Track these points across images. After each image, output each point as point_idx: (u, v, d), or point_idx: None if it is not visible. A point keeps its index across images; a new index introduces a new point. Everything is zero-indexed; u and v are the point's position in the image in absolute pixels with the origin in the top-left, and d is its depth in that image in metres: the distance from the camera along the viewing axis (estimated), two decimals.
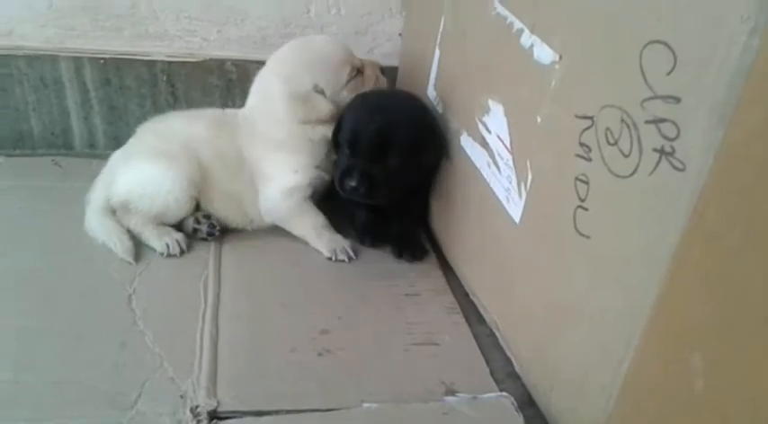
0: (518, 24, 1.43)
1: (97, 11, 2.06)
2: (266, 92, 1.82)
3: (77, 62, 2.10)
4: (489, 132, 1.56)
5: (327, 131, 1.80)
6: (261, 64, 1.97)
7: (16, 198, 1.91)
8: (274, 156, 1.81)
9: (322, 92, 1.78)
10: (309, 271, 1.76)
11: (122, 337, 1.45)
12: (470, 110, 1.65)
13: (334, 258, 1.79)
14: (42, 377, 1.34)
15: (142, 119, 2.13)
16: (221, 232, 1.83)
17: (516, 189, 1.44)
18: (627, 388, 1.12)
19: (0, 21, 2.04)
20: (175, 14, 2.11)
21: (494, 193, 1.54)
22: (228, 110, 1.95)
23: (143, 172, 1.74)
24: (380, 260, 1.83)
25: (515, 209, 1.44)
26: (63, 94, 2.14)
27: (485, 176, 1.58)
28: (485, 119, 1.58)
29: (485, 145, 1.58)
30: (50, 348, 1.41)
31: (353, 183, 1.69)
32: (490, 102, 1.55)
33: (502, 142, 1.50)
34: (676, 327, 1.02)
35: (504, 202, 1.49)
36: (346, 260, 1.79)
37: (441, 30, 1.86)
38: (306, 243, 1.85)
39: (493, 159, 1.54)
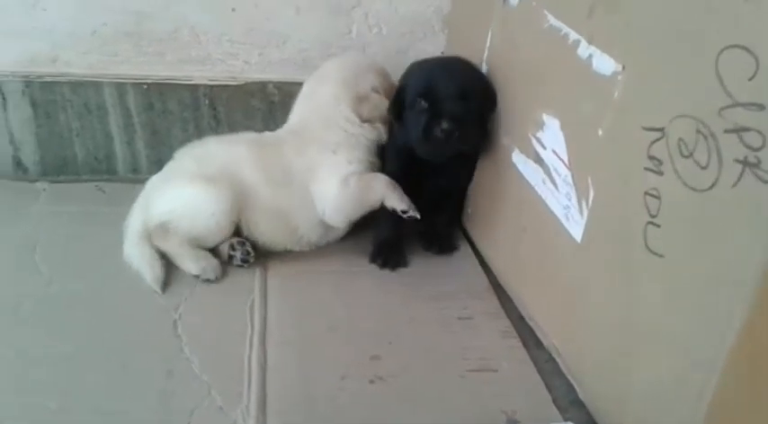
0: (574, 35, 1.37)
1: (140, 37, 2.06)
2: (323, 100, 1.85)
3: (120, 88, 2.10)
4: (544, 148, 1.50)
5: (380, 132, 1.89)
6: (303, 85, 1.99)
7: (60, 223, 1.90)
8: (332, 158, 1.81)
9: (378, 93, 1.87)
10: (356, 294, 1.71)
11: (169, 364, 1.42)
12: (522, 126, 1.60)
13: (409, 210, 1.77)
14: (88, 406, 1.31)
15: (185, 142, 2.10)
16: (265, 256, 1.79)
17: (576, 207, 1.37)
18: (711, 419, 1.04)
19: (45, 48, 2.04)
20: (217, 38, 2.10)
21: (551, 211, 1.47)
22: (266, 133, 1.95)
23: (185, 194, 1.72)
24: (429, 281, 1.77)
25: (576, 228, 1.37)
26: (106, 120, 2.13)
27: (540, 194, 1.52)
28: (539, 134, 1.52)
29: (539, 161, 1.52)
30: (96, 376, 1.38)
31: (446, 126, 1.64)
32: (545, 117, 1.49)
33: (559, 158, 1.44)
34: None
35: (563, 220, 1.42)
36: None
37: (488, 45, 1.81)
38: (351, 269, 1.81)
39: (549, 176, 1.48)
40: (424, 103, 1.70)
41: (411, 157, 1.78)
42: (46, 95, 2.08)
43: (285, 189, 1.78)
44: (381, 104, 1.87)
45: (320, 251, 1.86)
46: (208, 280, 1.70)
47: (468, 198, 1.97)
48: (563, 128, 1.42)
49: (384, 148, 1.92)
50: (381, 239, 1.86)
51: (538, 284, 1.56)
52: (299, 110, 1.93)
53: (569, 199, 1.40)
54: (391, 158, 1.90)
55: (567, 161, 1.41)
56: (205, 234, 1.72)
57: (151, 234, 1.72)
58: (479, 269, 1.84)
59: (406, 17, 2.17)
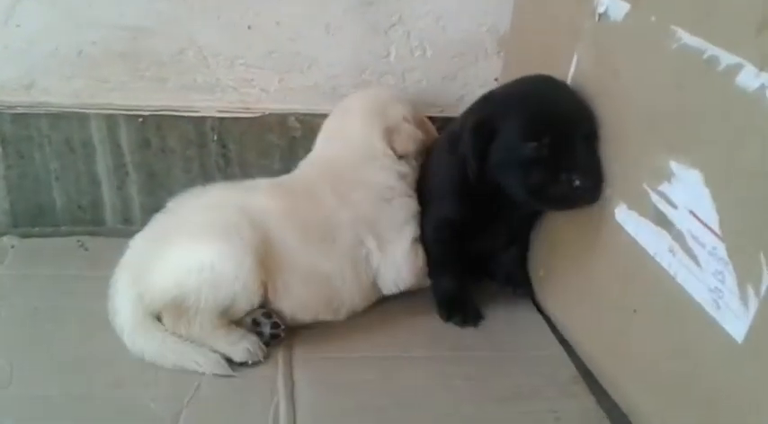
0: (729, 59, 1.01)
1: (137, 58, 1.70)
2: (354, 135, 1.59)
3: (110, 120, 1.73)
4: (674, 207, 1.12)
5: (415, 168, 1.64)
6: (324, 122, 1.71)
7: (30, 293, 1.52)
8: (388, 209, 1.54)
9: (409, 122, 1.63)
10: (412, 392, 1.32)
11: None
12: (633, 175, 1.23)
13: None
14: None
15: (188, 186, 1.74)
16: (288, 335, 1.41)
17: (735, 293, 0.99)
18: None
19: (17, 72, 1.67)
20: (229, 61, 1.74)
21: (686, 293, 1.09)
22: (285, 177, 1.61)
23: (195, 254, 1.32)
24: (499, 371, 1.39)
25: (735, 322, 0.99)
26: (93, 159, 1.76)
27: (665, 267, 1.14)
28: (663, 188, 1.15)
29: (664, 223, 1.14)
30: None
31: (579, 183, 1.29)
32: (674, 166, 1.12)
33: (701, 222, 1.06)
34: None
35: (711, 309, 1.04)
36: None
37: (571, 72, 1.45)
38: (399, 353, 1.43)
39: (682, 245, 1.10)
40: (540, 149, 1.32)
41: (472, 197, 1.48)
42: (18, 130, 1.71)
43: (324, 245, 1.44)
44: (415, 135, 1.63)
45: (358, 324, 1.49)
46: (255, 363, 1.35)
47: (538, 256, 1.60)
48: (709, 182, 1.05)
49: (423, 187, 1.64)
50: (448, 292, 1.57)
51: (661, 387, 1.16)
52: (325, 149, 1.65)
53: (721, 281, 1.02)
54: (443, 200, 1.57)
55: (716, 228, 1.03)
56: (231, 304, 1.33)
57: (162, 319, 1.33)
58: (561, 351, 1.46)
59: (454, 38, 1.83)
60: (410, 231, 1.55)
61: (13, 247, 1.69)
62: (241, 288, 1.32)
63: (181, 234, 1.38)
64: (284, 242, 1.41)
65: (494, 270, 1.65)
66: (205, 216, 1.40)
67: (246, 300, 1.34)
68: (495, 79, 1.87)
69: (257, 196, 1.47)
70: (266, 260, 1.37)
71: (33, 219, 1.78)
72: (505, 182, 1.39)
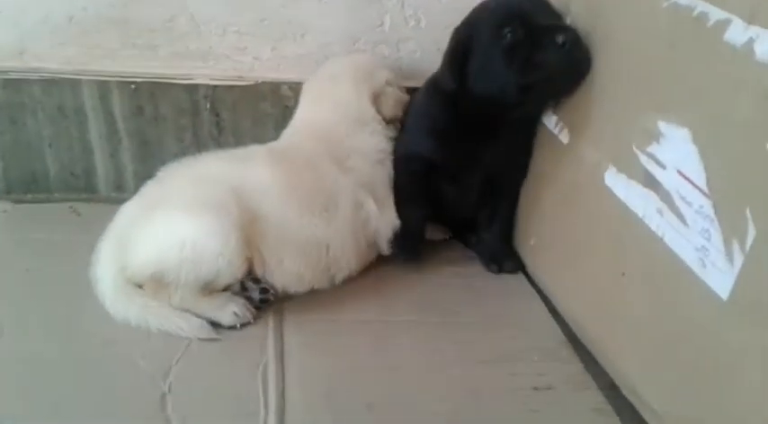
0: (718, 14, 1.00)
1: (127, 25, 1.69)
2: (345, 101, 1.58)
3: (103, 87, 1.72)
4: (662, 167, 1.12)
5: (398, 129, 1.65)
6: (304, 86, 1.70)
7: (23, 256, 1.52)
8: (382, 171, 1.57)
9: (393, 86, 1.65)
10: (400, 355, 1.33)
11: None
12: (621, 137, 1.23)
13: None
14: None
15: (180, 155, 1.74)
16: (279, 300, 1.41)
17: (721, 250, 0.98)
18: None
19: (10, 38, 1.66)
20: (222, 28, 1.73)
21: (672, 253, 1.09)
22: (277, 144, 1.59)
23: (179, 229, 1.29)
24: (488, 335, 1.39)
25: (720, 279, 0.99)
26: (85, 127, 1.75)
27: (653, 228, 1.14)
28: (651, 148, 1.14)
29: (652, 184, 1.14)
30: None
31: (562, 36, 1.31)
32: (662, 125, 1.11)
33: (689, 181, 1.06)
34: None
35: (696, 268, 1.04)
36: None
37: None
38: (388, 317, 1.43)
39: (670, 205, 1.10)
40: (514, 33, 1.35)
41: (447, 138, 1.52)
42: (10, 96, 1.71)
43: (326, 214, 1.42)
44: (401, 98, 1.65)
45: (349, 289, 1.49)
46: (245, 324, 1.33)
47: (528, 225, 1.60)
48: (697, 139, 1.04)
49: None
50: (408, 224, 1.58)
51: (647, 349, 1.16)
52: (314, 113, 1.63)
53: (707, 238, 1.01)
54: (418, 137, 1.60)
55: (704, 185, 1.02)
56: (214, 279, 1.31)
57: (144, 289, 1.32)
58: (549, 317, 1.46)
59: (449, 7, 1.79)
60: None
61: (5, 212, 1.68)
62: (225, 265, 1.29)
63: (165, 208, 1.34)
64: (281, 214, 1.38)
65: (479, 251, 1.65)
66: (193, 190, 1.36)
67: (230, 276, 1.32)
68: None
69: (255, 166, 1.43)
70: (257, 234, 1.35)
71: (26, 186, 1.78)
72: (492, 87, 1.41)
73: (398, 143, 1.61)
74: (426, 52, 1.83)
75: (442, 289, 1.53)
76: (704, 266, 1.02)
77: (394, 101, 1.62)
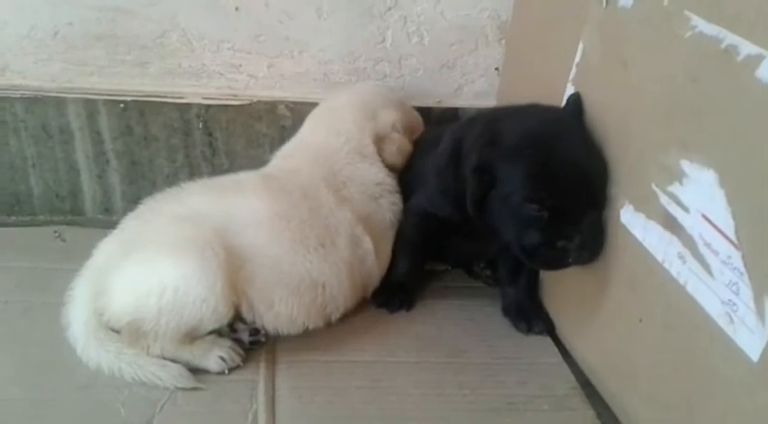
0: (749, 49, 0.91)
1: (116, 41, 1.61)
2: (346, 129, 1.51)
3: (90, 106, 1.63)
4: (685, 210, 1.03)
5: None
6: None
7: (2, 286, 1.43)
8: (378, 207, 1.48)
9: (399, 132, 1.56)
10: (398, 399, 1.24)
11: None
12: (639, 173, 1.15)
13: None
14: None
15: (172, 176, 1.70)
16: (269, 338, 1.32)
17: (752, 308, 0.90)
18: None
19: None
20: (215, 45, 1.65)
21: (697, 304, 1.00)
22: (270, 171, 1.49)
23: (158, 273, 1.19)
24: (494, 379, 1.31)
25: (750, 339, 0.91)
26: (71, 146, 1.67)
27: (674, 275, 1.05)
28: (672, 188, 1.06)
29: (673, 227, 1.06)
30: None
31: (575, 255, 1.21)
32: (684, 165, 1.03)
33: (715, 228, 0.97)
34: None
35: (724, 323, 0.95)
36: None
37: (577, 61, 1.36)
38: (388, 357, 1.35)
39: (693, 251, 1.01)
40: (540, 212, 1.21)
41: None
42: None
43: (321, 250, 1.33)
44: (404, 146, 1.56)
45: (346, 326, 1.40)
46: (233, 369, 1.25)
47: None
48: (724, 183, 0.96)
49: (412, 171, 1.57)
50: (399, 277, 1.50)
51: (667, 403, 1.08)
52: (315, 138, 1.54)
53: (735, 293, 0.93)
54: (435, 196, 1.46)
55: (732, 235, 0.94)
56: (195, 327, 1.21)
57: (122, 338, 1.22)
58: (560, 359, 1.38)
59: (453, 23, 1.73)
60: (394, 232, 1.50)
61: None
62: (210, 312, 1.19)
63: (145, 248, 1.23)
64: (273, 251, 1.28)
65: (505, 308, 1.50)
66: (175, 229, 1.24)
67: (215, 323, 1.22)
68: (496, 68, 1.79)
69: (245, 198, 1.33)
70: (245, 277, 1.25)
71: (9, 208, 1.70)
72: (500, 230, 1.29)
73: (416, 197, 1.50)
74: (429, 70, 1.77)
75: (445, 325, 1.45)
76: (732, 322, 0.94)
77: (397, 149, 1.53)
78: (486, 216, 1.29)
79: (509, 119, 1.31)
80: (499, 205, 1.26)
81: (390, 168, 1.54)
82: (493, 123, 1.32)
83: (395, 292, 1.47)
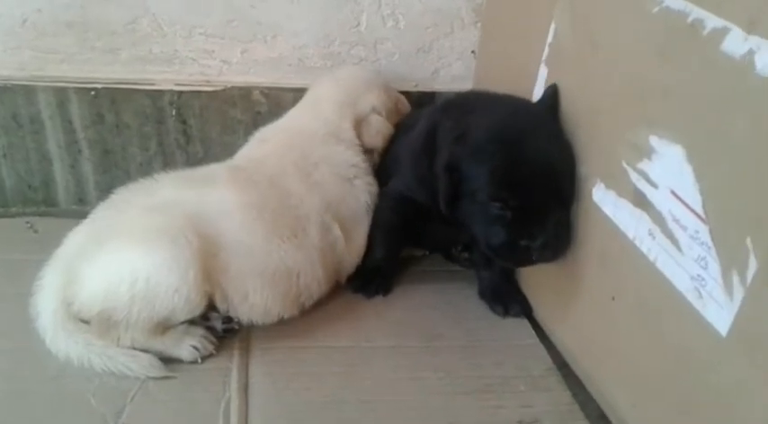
0: (715, 22, 0.91)
1: (86, 27, 1.58)
2: (325, 113, 1.51)
3: (61, 94, 1.61)
4: (654, 186, 1.03)
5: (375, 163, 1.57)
6: (297, 91, 1.62)
7: None
8: (352, 189, 1.46)
9: (380, 114, 1.55)
10: (375, 385, 1.23)
11: None
12: (610, 151, 1.14)
13: None
14: None
15: (146, 165, 1.68)
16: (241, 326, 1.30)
17: (720, 282, 0.90)
18: None
19: None
20: (187, 30, 1.63)
21: (667, 280, 1.00)
22: (240, 160, 1.48)
23: (130, 262, 1.17)
24: (471, 361, 1.30)
25: (719, 313, 0.90)
26: (43, 136, 1.64)
27: (644, 251, 1.05)
28: (642, 165, 1.05)
29: (643, 204, 1.05)
30: None
31: (537, 253, 1.20)
32: (653, 140, 1.02)
33: (683, 203, 0.97)
34: None
35: (693, 298, 0.95)
36: None
37: (549, 41, 1.35)
38: (363, 343, 1.33)
39: (662, 227, 1.01)
40: (504, 211, 1.20)
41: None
42: None
43: (294, 240, 1.31)
44: (385, 129, 1.56)
45: (320, 312, 1.39)
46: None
47: None
48: (692, 158, 0.95)
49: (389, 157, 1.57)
50: (376, 262, 1.49)
51: (639, 380, 1.08)
52: (293, 121, 1.55)
53: (704, 267, 0.93)
54: (411, 181, 1.45)
55: (700, 209, 0.93)
56: (169, 316, 1.19)
57: (91, 327, 1.20)
58: (536, 341, 1.37)
59: (429, 6, 1.72)
60: (370, 217, 1.48)
61: None
62: (182, 303, 1.17)
63: (117, 237, 1.20)
64: (246, 242, 1.26)
65: (481, 292, 1.49)
66: (147, 218, 1.22)
67: (187, 313, 1.20)
68: (472, 51, 1.77)
69: (216, 189, 1.31)
70: (218, 267, 1.23)
71: None
72: (468, 225, 1.28)
73: (393, 181, 1.49)
74: (405, 53, 1.75)
75: (423, 309, 1.44)
76: (701, 297, 0.94)
77: (376, 131, 1.53)
78: (458, 212, 1.28)
79: (480, 112, 1.30)
80: (467, 202, 1.25)
81: (371, 151, 1.54)
82: (464, 115, 1.31)
83: (372, 277, 1.46)
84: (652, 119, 1.03)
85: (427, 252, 1.63)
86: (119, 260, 1.17)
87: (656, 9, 1.02)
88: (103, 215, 1.29)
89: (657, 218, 1.02)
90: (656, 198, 1.02)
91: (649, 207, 1.04)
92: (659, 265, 1.02)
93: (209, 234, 1.23)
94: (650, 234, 1.04)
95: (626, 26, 1.10)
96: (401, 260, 1.57)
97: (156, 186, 1.31)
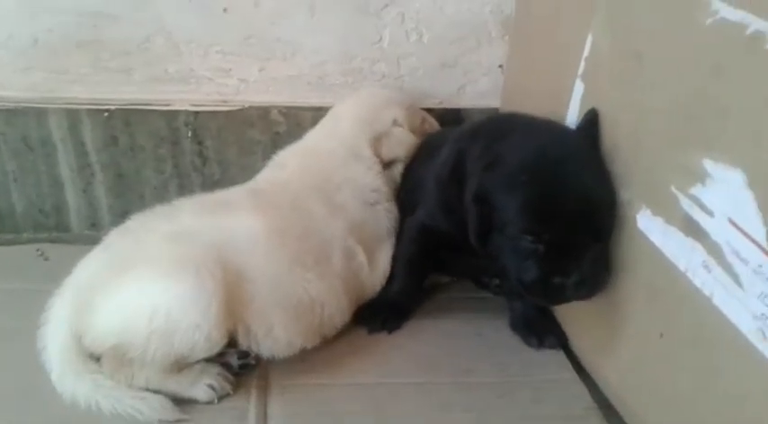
0: None
1: (99, 47, 1.53)
2: (343, 133, 1.46)
3: (72, 116, 1.56)
4: (709, 214, 0.93)
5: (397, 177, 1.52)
6: (317, 111, 1.59)
7: None
8: (373, 212, 1.41)
9: (401, 126, 1.50)
10: (400, 421, 1.15)
11: None
12: (656, 174, 1.05)
13: None
14: None
15: (161, 188, 1.62)
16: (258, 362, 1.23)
17: None
18: None
19: None
20: (203, 49, 1.57)
21: (725, 318, 0.91)
22: (260, 182, 1.43)
23: (150, 294, 1.10)
24: (506, 399, 1.21)
25: None
26: (54, 159, 1.59)
27: (698, 286, 0.96)
28: (695, 190, 0.96)
29: (695, 233, 0.96)
30: None
31: (571, 291, 1.11)
32: (707, 164, 0.93)
33: (743, 233, 0.88)
34: None
35: (756, 339, 0.86)
36: None
37: (585, 55, 1.26)
38: (389, 379, 1.25)
39: (719, 259, 0.92)
40: (536, 245, 1.12)
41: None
42: None
43: (318, 268, 1.24)
44: (406, 139, 1.50)
45: (343, 345, 1.31)
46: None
47: None
48: (754, 184, 0.86)
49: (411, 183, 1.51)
50: (394, 296, 1.41)
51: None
52: (310, 141, 1.51)
53: None
54: (436, 211, 1.37)
55: (763, 241, 0.84)
56: (189, 354, 1.12)
57: (102, 363, 1.13)
58: (575, 377, 1.28)
59: (454, 20, 1.65)
60: (392, 242, 1.42)
61: None
62: (203, 340, 1.10)
63: (135, 268, 1.13)
64: (271, 272, 1.19)
65: (513, 323, 1.40)
66: (168, 247, 1.15)
67: (207, 351, 1.12)
68: (500, 66, 1.70)
69: (238, 216, 1.24)
70: (242, 301, 1.16)
71: None
72: (500, 260, 1.19)
73: (419, 211, 1.40)
74: (429, 69, 1.68)
75: (452, 341, 1.36)
76: (765, 338, 0.84)
77: (396, 142, 1.47)
78: (489, 245, 1.20)
79: (512, 138, 1.21)
80: (497, 234, 1.17)
81: (389, 163, 1.48)
82: (495, 141, 1.22)
83: (379, 311, 1.38)
84: (707, 140, 0.94)
85: (454, 279, 1.55)
86: (138, 293, 1.10)
87: (709, 21, 0.93)
88: (119, 243, 1.22)
89: (713, 249, 0.93)
90: (712, 227, 0.93)
91: (704, 237, 0.95)
92: (716, 301, 0.93)
93: (232, 264, 1.16)
94: (705, 266, 0.95)
95: (675, 39, 1.01)
96: (426, 287, 1.48)
97: (175, 213, 1.24)
